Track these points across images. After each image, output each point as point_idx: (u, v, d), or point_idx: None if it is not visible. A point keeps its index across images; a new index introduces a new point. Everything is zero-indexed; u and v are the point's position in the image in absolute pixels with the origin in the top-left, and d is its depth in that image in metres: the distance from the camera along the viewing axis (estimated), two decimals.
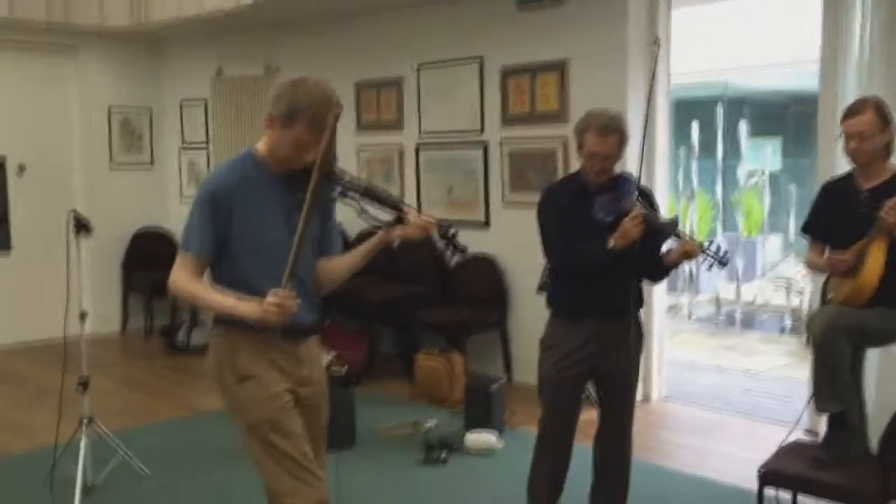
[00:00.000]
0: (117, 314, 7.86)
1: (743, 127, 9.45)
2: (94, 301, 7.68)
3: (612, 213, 3.17)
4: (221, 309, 2.40)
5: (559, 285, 3.38)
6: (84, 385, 4.03)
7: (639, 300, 3.39)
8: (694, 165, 9.36)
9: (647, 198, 3.32)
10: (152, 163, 8.10)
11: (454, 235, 2.57)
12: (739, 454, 4.48)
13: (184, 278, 2.41)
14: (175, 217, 8.10)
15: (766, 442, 4.65)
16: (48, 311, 7.43)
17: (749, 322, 8.45)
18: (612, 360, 3.30)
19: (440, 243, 2.62)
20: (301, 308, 2.44)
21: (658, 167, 5.41)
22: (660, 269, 3.34)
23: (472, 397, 4.80)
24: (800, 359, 6.89)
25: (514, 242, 5.83)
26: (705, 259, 3.13)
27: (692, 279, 8.75)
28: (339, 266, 2.61)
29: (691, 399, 5.61)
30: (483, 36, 5.98)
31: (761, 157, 9.97)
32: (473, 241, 6.04)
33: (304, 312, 2.48)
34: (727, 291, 8.89)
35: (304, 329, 2.53)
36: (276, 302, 2.28)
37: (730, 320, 8.49)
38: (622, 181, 3.26)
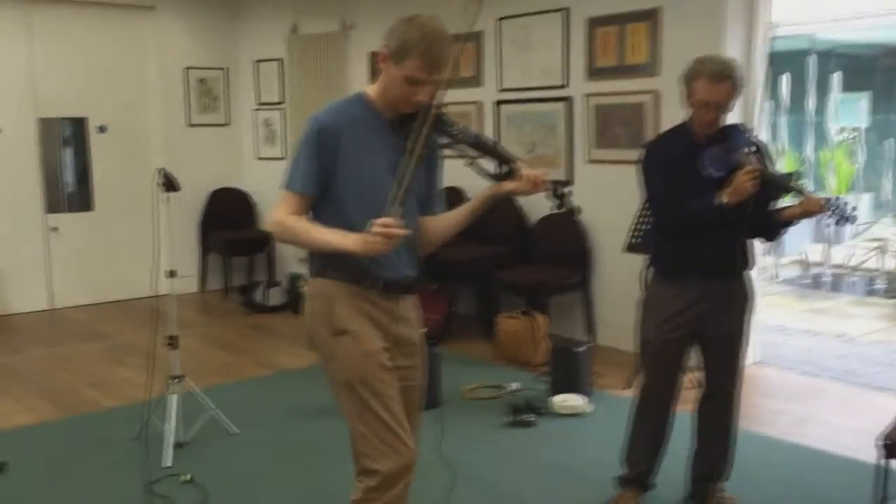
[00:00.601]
0: (195, 273, 7.92)
1: (835, 81, 8.98)
2: (172, 260, 7.77)
3: (723, 167, 2.98)
4: (327, 246, 2.28)
5: (664, 243, 3.21)
6: (173, 343, 4.01)
7: (747, 259, 3.21)
8: (783, 121, 8.96)
9: (760, 151, 3.10)
10: (228, 123, 8.09)
11: (568, 194, 2.38)
12: (843, 422, 4.27)
13: (287, 217, 2.31)
14: (250, 176, 8.11)
15: (868, 409, 4.47)
16: (129, 269, 7.60)
17: (838, 285, 8.11)
18: (717, 322, 3.15)
19: (552, 202, 2.40)
20: (403, 262, 2.39)
21: (755, 122, 5.13)
22: (775, 227, 3.14)
23: (557, 360, 4.67)
24: (894, 323, 6.59)
25: (598, 200, 5.63)
26: (831, 215, 2.91)
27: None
28: (444, 223, 2.49)
29: (785, 364, 5.38)
30: None
31: (851, 112, 9.50)
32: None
33: (407, 267, 2.41)
34: (814, 252, 8.55)
35: (405, 285, 2.42)
36: (380, 231, 2.15)
37: (817, 283, 8.16)
38: (734, 133, 3.06)
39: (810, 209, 2.94)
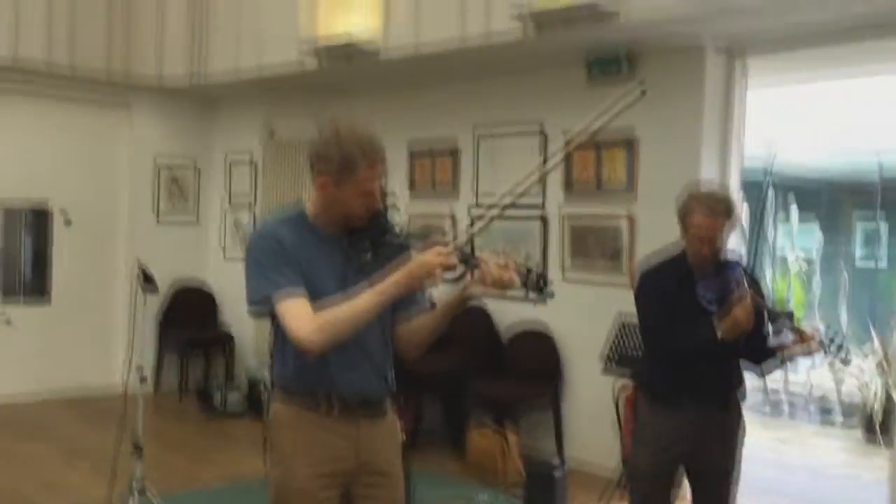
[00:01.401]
0: (150, 372, 7.66)
1: (793, 211, 9.31)
2: (128, 358, 7.54)
3: (718, 299, 2.99)
4: (379, 306, 2.13)
5: (657, 370, 3.19)
6: (139, 449, 3.83)
7: (741, 388, 3.20)
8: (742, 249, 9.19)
9: (755, 285, 3.14)
10: (198, 220, 8.03)
11: (539, 275, 2.17)
12: None
13: (315, 318, 2.11)
14: (216, 275, 7.99)
15: None
16: (83, 365, 7.34)
17: (797, 412, 8.15)
18: (710, 451, 3.11)
19: (521, 289, 2.20)
20: (365, 381, 2.27)
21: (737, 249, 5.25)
22: (765, 358, 3.13)
23: (533, 482, 4.56)
24: (860, 455, 6.62)
25: (572, 318, 5.65)
26: (826, 354, 2.94)
27: None
28: (420, 328, 2.33)
29: (758, 494, 5.32)
30: (547, 107, 5.91)
31: (806, 242, 9.80)
32: (529, 314, 5.96)
33: (368, 386, 2.27)
34: (772, 379, 8.61)
35: (367, 406, 2.28)
36: (438, 258, 2.10)
37: (775, 409, 8.20)
38: (731, 265, 3.08)
39: (807, 350, 2.96)
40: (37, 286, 7.24)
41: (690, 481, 3.22)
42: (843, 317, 9.25)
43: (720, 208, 2.99)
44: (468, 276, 2.19)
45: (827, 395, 8.12)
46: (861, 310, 10.08)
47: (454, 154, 6.47)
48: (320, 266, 2.22)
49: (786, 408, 8.18)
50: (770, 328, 3.07)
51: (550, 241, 5.89)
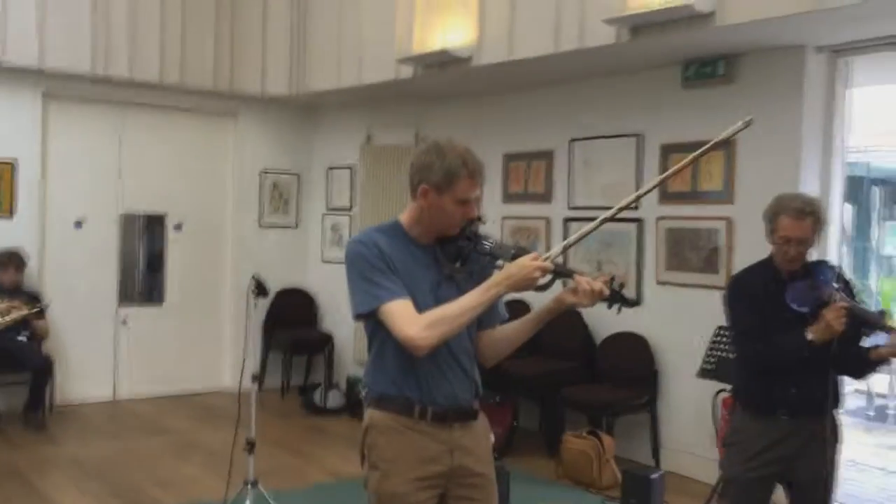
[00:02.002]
0: (256, 371, 7.96)
1: None
2: (234, 357, 7.89)
3: (808, 302, 2.99)
4: (480, 304, 2.24)
5: (751, 377, 3.19)
6: (251, 447, 4.04)
7: (838, 397, 3.17)
8: (845, 250, 8.92)
9: (846, 287, 3.11)
10: (297, 225, 8.31)
11: (622, 287, 2.30)
12: None
13: (416, 321, 2.23)
14: (315, 278, 8.26)
15: None
16: (194, 364, 7.72)
17: None
18: (806, 462, 3.09)
19: (609, 302, 2.30)
20: (457, 388, 2.36)
21: (832, 251, 5.16)
22: (863, 365, 3.12)
23: (630, 486, 4.60)
24: None
25: (668, 322, 5.64)
26: None
27: None
28: (506, 335, 2.44)
29: (864, 502, 5.21)
30: (642, 112, 5.91)
31: None
32: (624, 318, 5.95)
33: (461, 393, 2.37)
34: (879, 383, 8.34)
35: (458, 412, 2.37)
36: (539, 265, 2.21)
37: (881, 415, 7.94)
38: (820, 268, 3.08)
39: None
40: (151, 289, 7.64)
41: (789, 496, 3.20)
42: None
43: (807, 210, 3.00)
44: (561, 285, 2.29)
45: None
46: None
47: (548, 159, 6.52)
48: (415, 274, 2.33)
49: (892, 412, 7.90)
50: (863, 329, 3.04)
51: (646, 245, 5.88)
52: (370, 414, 2.41)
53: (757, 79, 5.28)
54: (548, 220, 6.53)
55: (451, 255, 2.36)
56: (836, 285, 3.04)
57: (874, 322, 3.03)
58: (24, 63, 6.53)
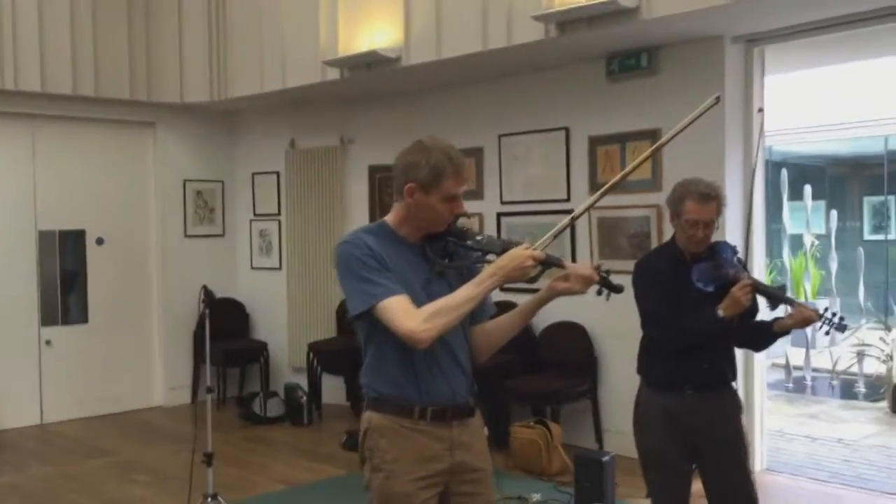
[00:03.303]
0: (188, 384, 7.82)
1: (807, 191, 9.43)
2: (167, 371, 7.72)
3: (712, 281, 3.14)
4: (477, 296, 2.27)
5: (658, 356, 3.28)
6: (208, 459, 3.98)
7: (735, 370, 3.34)
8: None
9: (742, 265, 3.30)
10: (224, 233, 8.16)
11: (608, 274, 2.40)
12: None
13: (419, 312, 2.25)
14: (246, 286, 8.13)
15: None
16: (123, 382, 7.50)
17: (819, 389, 8.29)
18: (715, 431, 3.21)
19: (599, 288, 2.42)
20: (453, 387, 2.39)
21: (756, 234, 5.40)
22: (765, 337, 3.29)
23: (583, 470, 4.71)
24: (888, 426, 6.76)
25: (605, 310, 5.72)
26: (822, 325, 3.09)
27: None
28: (499, 328, 2.49)
29: (793, 470, 5.48)
30: (569, 106, 6.05)
31: (817, 220, 9.96)
32: (562, 308, 6.08)
33: (457, 391, 2.40)
34: (795, 356, 8.75)
35: (459, 409, 2.40)
36: (530, 254, 2.25)
37: (799, 386, 8.34)
38: (721, 249, 3.23)
39: (805, 320, 3.10)
40: (74, 307, 7.38)
41: (702, 466, 3.26)
42: (861, 290, 9.41)
43: (712, 194, 3.15)
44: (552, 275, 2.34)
45: (848, 370, 8.28)
46: (877, 283, 10.25)
47: (478, 156, 6.60)
48: (406, 272, 2.35)
49: (808, 384, 8.32)
50: (767, 304, 3.22)
51: (578, 234, 6.03)
52: (369, 416, 2.41)
53: (679, 70, 5.48)
54: (481, 216, 6.62)
55: (439, 252, 2.39)
56: (740, 264, 3.22)
57: (778, 296, 3.20)
58: None
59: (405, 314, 2.24)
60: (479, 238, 2.41)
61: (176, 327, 7.72)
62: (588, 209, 2.50)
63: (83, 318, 7.38)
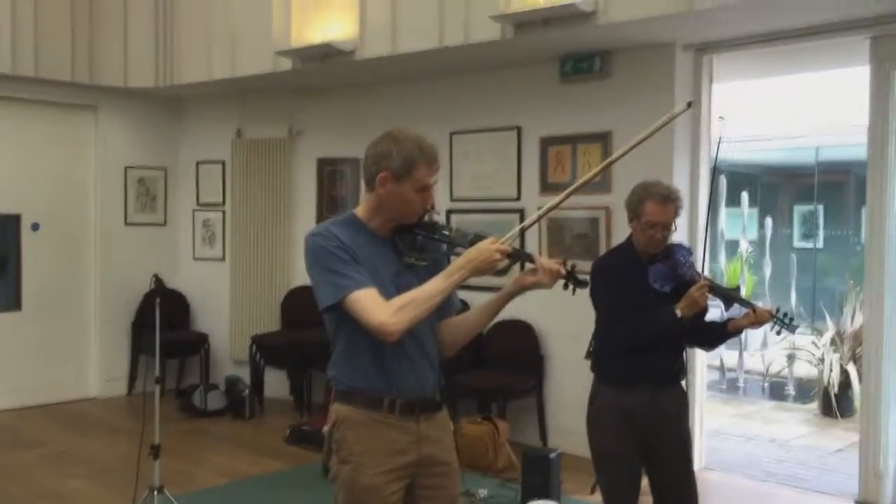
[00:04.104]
0: (125, 375, 7.64)
1: (744, 198, 9.70)
2: (101, 362, 7.53)
3: (669, 282, 3.22)
4: (448, 290, 2.28)
5: (614, 354, 3.32)
6: (156, 451, 3.90)
7: (685, 367, 3.43)
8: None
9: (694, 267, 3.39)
10: (165, 222, 7.99)
11: (573, 268, 2.39)
12: None
13: (389, 305, 2.25)
14: (187, 277, 7.98)
15: None
16: (56, 371, 7.29)
17: (751, 390, 8.54)
18: (666, 430, 3.29)
19: (565, 281, 2.39)
20: (421, 381, 2.39)
21: (700, 236, 5.52)
22: (718, 336, 3.40)
23: (530, 466, 4.76)
24: (818, 427, 7.01)
25: (550, 308, 5.85)
26: (774, 325, 3.21)
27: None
28: (466, 323, 2.50)
29: (730, 468, 5.64)
30: (522, 106, 6.10)
31: (752, 226, 10.24)
32: (509, 307, 6.14)
33: (425, 384, 2.41)
34: (729, 358, 9.00)
35: (424, 404, 2.41)
36: (498, 248, 2.26)
37: (732, 387, 8.58)
38: (677, 250, 3.31)
39: (759, 321, 3.21)
40: (7, 294, 7.14)
41: (651, 464, 3.32)
42: (793, 296, 9.71)
43: (672, 196, 3.22)
44: (520, 268, 2.36)
45: (780, 374, 8.55)
46: (806, 289, 10.60)
47: None
48: (376, 264, 2.34)
49: (741, 385, 8.56)
50: (722, 304, 3.32)
51: (527, 233, 6.07)
52: (337, 409, 2.40)
53: (630, 74, 5.58)
54: (447, 215, 6.61)
55: (409, 245, 2.40)
56: (694, 265, 3.32)
57: (733, 297, 3.32)
58: None
59: (375, 306, 2.24)
60: (447, 232, 2.42)
61: (114, 317, 7.54)
62: (555, 208, 2.51)
63: (16, 306, 7.14)
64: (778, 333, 3.27)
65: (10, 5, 6.60)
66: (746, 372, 8.74)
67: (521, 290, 2.38)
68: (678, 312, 3.14)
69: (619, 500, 3.33)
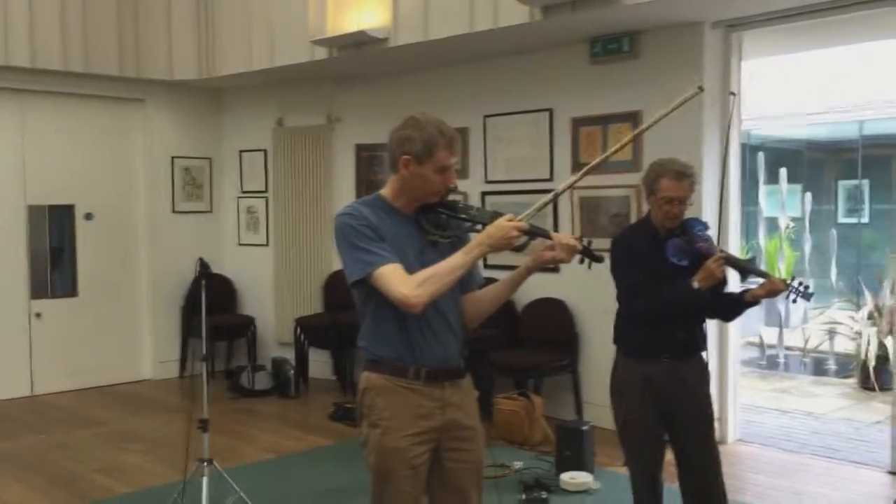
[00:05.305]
0: (177, 358, 7.94)
1: (782, 175, 9.65)
2: (156, 345, 7.83)
3: (686, 256, 3.31)
4: (468, 265, 2.42)
5: (635, 327, 3.42)
6: (203, 426, 4.12)
7: (705, 339, 3.51)
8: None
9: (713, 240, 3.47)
10: (211, 210, 8.26)
11: (590, 244, 2.54)
12: (834, 495, 4.58)
13: (412, 279, 2.39)
14: (233, 262, 8.24)
15: (854, 483, 4.82)
16: (112, 355, 7.62)
17: (791, 365, 8.55)
18: (687, 400, 3.39)
19: (581, 257, 2.54)
20: (445, 350, 2.53)
21: (732, 214, 5.59)
22: (736, 307, 3.48)
23: (564, 439, 4.90)
24: (856, 401, 7.02)
25: (585, 287, 5.94)
26: (790, 294, 3.27)
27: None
28: (488, 296, 2.63)
29: (764, 441, 5.71)
30: (553, 88, 6.19)
31: (793, 203, 10.18)
32: (543, 285, 6.28)
33: (450, 354, 2.55)
34: (769, 335, 9.00)
35: (450, 371, 2.55)
36: (514, 224, 2.38)
37: (772, 363, 8.59)
38: (693, 225, 3.40)
39: (774, 290, 3.28)
40: (64, 281, 7.47)
41: (673, 434, 3.43)
42: (833, 271, 9.66)
43: (687, 172, 3.32)
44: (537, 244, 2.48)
45: (819, 348, 8.54)
46: (850, 264, 10.51)
47: (463, 136, 6.74)
48: (401, 242, 2.49)
49: (781, 361, 8.57)
50: (738, 275, 3.43)
51: (561, 213, 6.19)
52: (366, 376, 2.57)
53: (660, 54, 5.64)
54: (466, 195, 6.76)
55: (432, 223, 2.54)
56: (711, 238, 3.40)
57: (749, 268, 3.41)
58: None
59: (399, 280, 2.39)
60: (469, 210, 2.57)
61: (164, 302, 7.83)
62: (570, 187, 2.65)
63: (72, 292, 7.47)
64: (794, 301, 3.33)
65: (59, 5, 6.88)
66: (787, 348, 8.76)
67: (539, 265, 2.51)
68: (695, 285, 3.23)
69: (644, 467, 3.45)
